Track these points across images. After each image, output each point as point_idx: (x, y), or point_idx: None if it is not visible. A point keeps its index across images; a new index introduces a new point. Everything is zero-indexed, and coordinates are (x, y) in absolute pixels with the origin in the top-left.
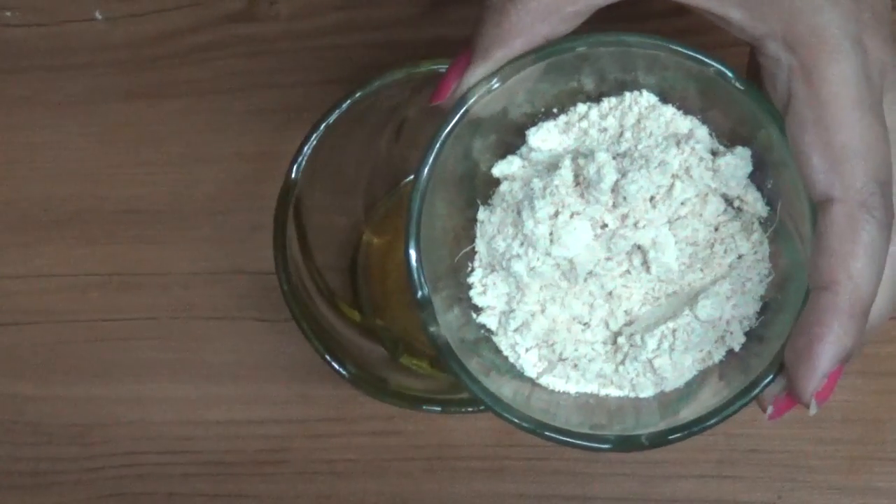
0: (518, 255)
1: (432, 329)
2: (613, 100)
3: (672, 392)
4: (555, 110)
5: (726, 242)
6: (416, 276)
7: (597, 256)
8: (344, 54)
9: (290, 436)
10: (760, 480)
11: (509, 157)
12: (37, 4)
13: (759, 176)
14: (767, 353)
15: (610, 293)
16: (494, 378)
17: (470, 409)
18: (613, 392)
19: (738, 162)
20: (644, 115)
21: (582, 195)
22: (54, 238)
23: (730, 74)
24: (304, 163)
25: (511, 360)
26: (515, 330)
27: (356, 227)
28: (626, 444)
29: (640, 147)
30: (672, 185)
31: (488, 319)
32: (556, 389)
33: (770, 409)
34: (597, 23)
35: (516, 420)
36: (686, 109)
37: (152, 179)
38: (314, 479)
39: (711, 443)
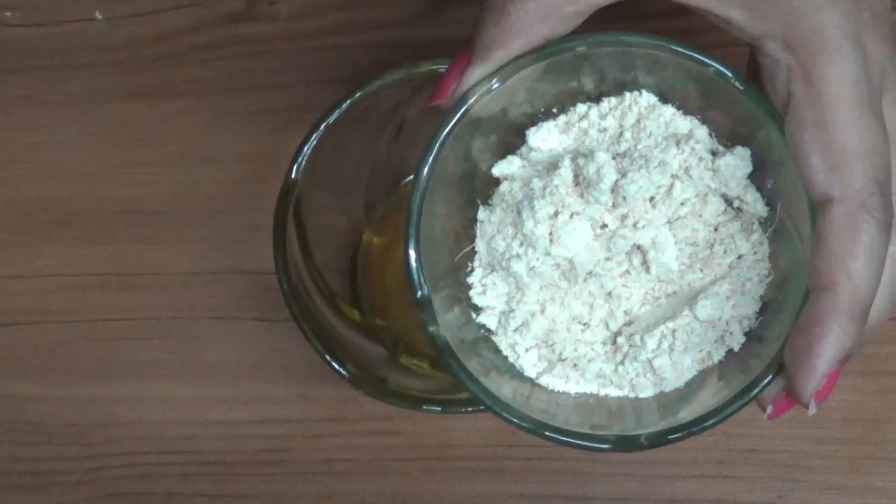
0: (518, 255)
1: (432, 329)
2: (613, 100)
3: (672, 392)
4: (555, 110)
5: (726, 243)
6: (415, 275)
7: (596, 256)
8: (344, 54)
9: (290, 436)
10: (760, 480)
11: (509, 157)
12: (37, 4)
13: (758, 176)
14: (767, 354)
15: (609, 293)
16: (494, 378)
17: (470, 409)
18: (613, 392)
19: (737, 162)
20: (644, 115)
21: (582, 195)
22: (54, 238)
23: (729, 74)
24: (304, 163)
25: (511, 359)
26: (515, 330)
27: (356, 227)
28: (626, 444)
29: (639, 147)
30: (672, 186)
31: (488, 319)
32: (556, 389)
33: (769, 409)
34: (596, 23)
35: (516, 420)
36: (686, 109)
37: (152, 179)
38: (314, 479)
39: (711, 443)
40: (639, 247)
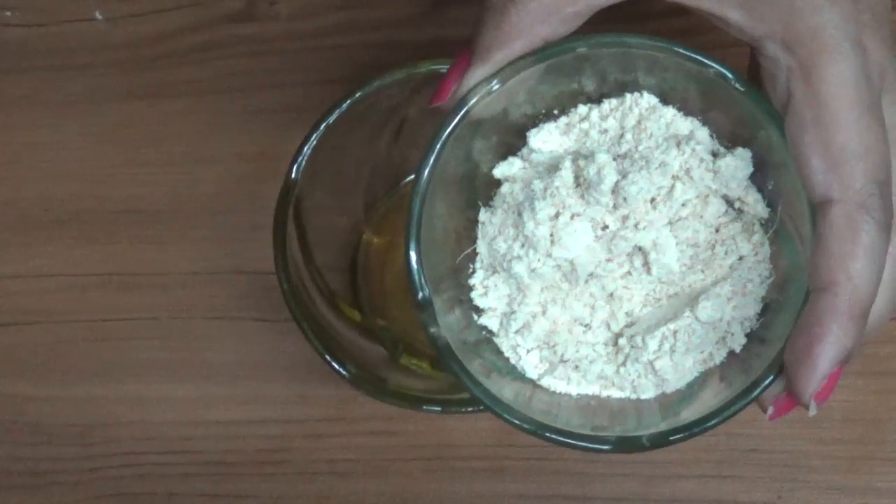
0: (519, 257)
1: (433, 330)
2: (614, 101)
3: (673, 393)
4: (555, 112)
5: (727, 244)
6: (416, 277)
7: (597, 258)
8: (344, 54)
9: (290, 436)
10: (760, 480)
11: (510, 159)
12: (37, 4)
13: (759, 177)
14: (768, 354)
15: (611, 294)
16: (496, 379)
17: (470, 409)
18: (615, 393)
19: (738, 163)
20: (645, 116)
21: (582, 196)
22: (54, 238)
23: (730, 76)
24: (304, 163)
25: (512, 361)
26: (517, 331)
27: (356, 227)
28: (627, 445)
29: (640, 148)
30: (673, 187)
31: (489, 321)
32: (558, 391)
33: (771, 410)
34: (597, 23)
35: (517, 421)
36: (687, 111)
37: (152, 179)
38: (314, 479)
39: (712, 443)
40: (640, 248)
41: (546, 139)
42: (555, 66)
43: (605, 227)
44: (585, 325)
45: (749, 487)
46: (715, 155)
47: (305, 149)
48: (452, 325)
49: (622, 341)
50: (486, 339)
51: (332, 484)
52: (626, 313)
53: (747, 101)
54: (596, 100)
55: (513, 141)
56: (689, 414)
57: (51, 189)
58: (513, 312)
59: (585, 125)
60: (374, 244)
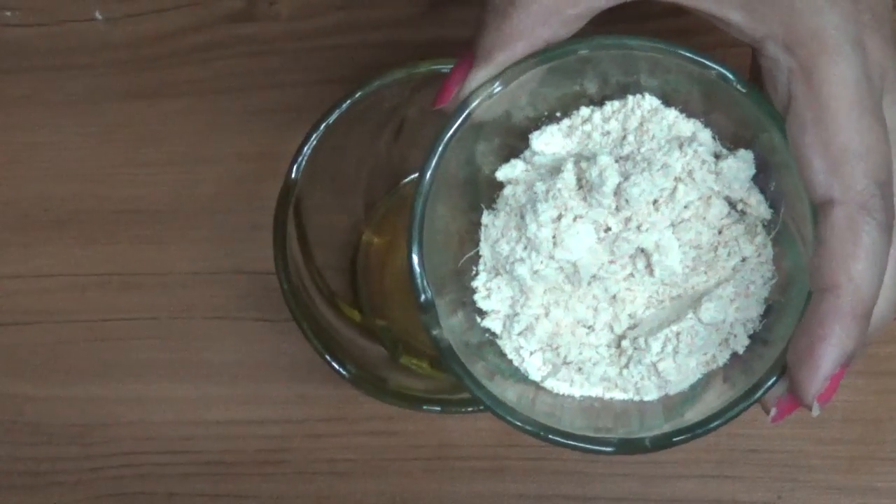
0: (521, 259)
1: (435, 332)
2: (616, 103)
3: (676, 395)
4: (558, 114)
5: (730, 245)
6: (419, 280)
7: (600, 260)
8: (344, 54)
9: (290, 436)
10: (760, 480)
11: (512, 161)
12: (37, 4)
13: (762, 178)
14: (771, 356)
15: (614, 296)
16: (499, 382)
17: (470, 409)
18: (618, 395)
19: (740, 164)
20: (647, 118)
21: (585, 198)
22: (54, 238)
23: (731, 77)
24: (304, 163)
25: (515, 363)
26: (519, 333)
27: (356, 227)
28: (630, 446)
29: (642, 150)
30: (675, 189)
31: (492, 323)
32: (561, 393)
33: (773, 411)
34: (597, 24)
35: (520, 424)
36: (689, 112)
37: (152, 179)
38: (314, 479)
39: (712, 443)
40: (642, 250)
41: (548, 141)
42: (557, 68)
43: (608, 229)
44: (588, 327)
45: (749, 487)
46: (717, 156)
47: (305, 149)
48: (455, 327)
49: (625, 343)
50: (489, 342)
51: (332, 484)
52: (629, 315)
53: (749, 103)
54: (598, 102)
55: (515, 143)
56: (692, 415)
57: (51, 189)
58: (516, 315)
59: (588, 127)
60: (374, 244)
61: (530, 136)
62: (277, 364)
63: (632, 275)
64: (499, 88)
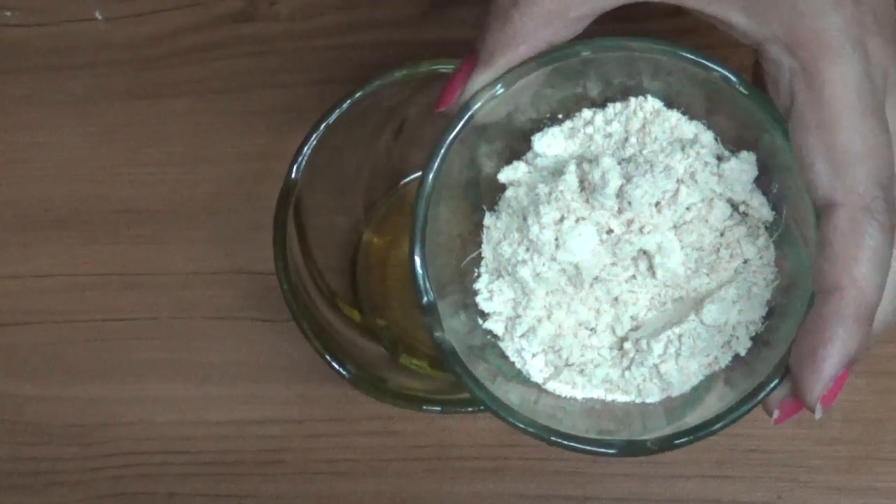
0: (524, 261)
1: (438, 334)
2: (618, 105)
3: (678, 397)
4: (560, 116)
5: (732, 247)
6: (421, 281)
7: (602, 262)
8: (344, 54)
9: (290, 436)
10: (760, 480)
11: (515, 163)
12: (37, 4)
13: (764, 180)
14: (773, 358)
15: (616, 298)
16: (501, 384)
17: (470, 409)
18: (620, 397)
19: (743, 166)
20: (649, 120)
21: (587, 200)
22: (54, 238)
23: (734, 79)
24: (304, 163)
25: (517, 365)
26: (522, 335)
27: (356, 227)
28: (633, 449)
29: (645, 152)
30: (677, 191)
31: (494, 325)
32: (563, 395)
33: (776, 413)
34: (598, 23)
35: (522, 426)
36: (691, 114)
37: (153, 179)
38: (314, 479)
39: (712, 443)
40: (645, 252)
41: (551, 143)
42: (559, 70)
43: (610, 230)
44: (590, 329)
45: (749, 487)
46: (719, 158)
47: (305, 149)
48: (457, 329)
49: (627, 345)
50: (491, 343)
51: (332, 484)
52: (632, 317)
53: (751, 105)
54: (600, 104)
55: (517, 145)
56: (694, 418)
57: (51, 189)
58: (518, 316)
59: (590, 129)
60: (374, 244)
61: (532, 138)
62: (277, 364)
63: (634, 277)
64: (501, 90)
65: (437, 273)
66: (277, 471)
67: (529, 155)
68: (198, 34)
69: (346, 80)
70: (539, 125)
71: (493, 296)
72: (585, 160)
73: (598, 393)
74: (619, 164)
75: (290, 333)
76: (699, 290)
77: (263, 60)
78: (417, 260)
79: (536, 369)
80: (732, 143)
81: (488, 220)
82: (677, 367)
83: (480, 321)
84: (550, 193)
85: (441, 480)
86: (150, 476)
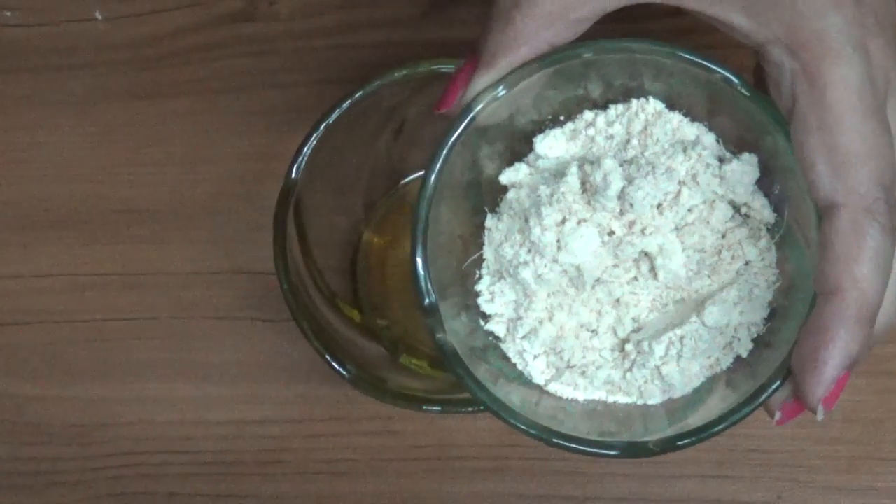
0: (525, 262)
1: (439, 336)
2: (620, 107)
3: (680, 399)
4: (561, 117)
5: (733, 249)
6: (422, 283)
7: (604, 263)
8: (344, 54)
9: (290, 436)
10: (760, 480)
11: (516, 165)
12: (37, 4)
13: (766, 182)
14: (775, 360)
15: (617, 300)
16: (502, 385)
17: (470, 409)
18: (621, 399)
19: (744, 168)
20: (651, 121)
21: (589, 202)
22: (54, 238)
23: (735, 80)
24: (304, 163)
25: (519, 367)
26: (523, 337)
27: (356, 227)
28: (634, 450)
29: (646, 154)
30: (679, 192)
31: (496, 327)
32: (565, 396)
33: (778, 415)
34: (598, 24)
35: (524, 427)
36: (693, 116)
37: (153, 179)
38: (314, 479)
39: (712, 443)
40: (646, 253)
41: (552, 145)
42: (561, 71)
43: (612, 232)
44: (592, 331)
45: (749, 487)
46: (721, 160)
47: (305, 149)
48: (459, 330)
49: (629, 347)
50: (493, 345)
51: (332, 484)
52: (633, 319)
53: (753, 106)
54: (602, 105)
55: (519, 147)
56: (695, 419)
57: (51, 189)
58: (519, 318)
59: (591, 131)
60: (374, 244)
61: (534, 139)
62: (277, 364)
63: (635, 278)
64: (503, 92)
65: (438, 274)
66: (277, 471)
67: (531, 156)
68: (198, 34)
69: (346, 80)
70: (541, 127)
71: (494, 297)
72: (587, 162)
73: (600, 394)
74: (621, 165)
75: (290, 333)
76: (701, 291)
77: (263, 60)
78: (419, 261)
79: (538, 371)
80: (734, 144)
81: (490, 221)
82: (679, 368)
83: (482, 323)
84: (552, 195)
85: (441, 480)
86: (149, 476)
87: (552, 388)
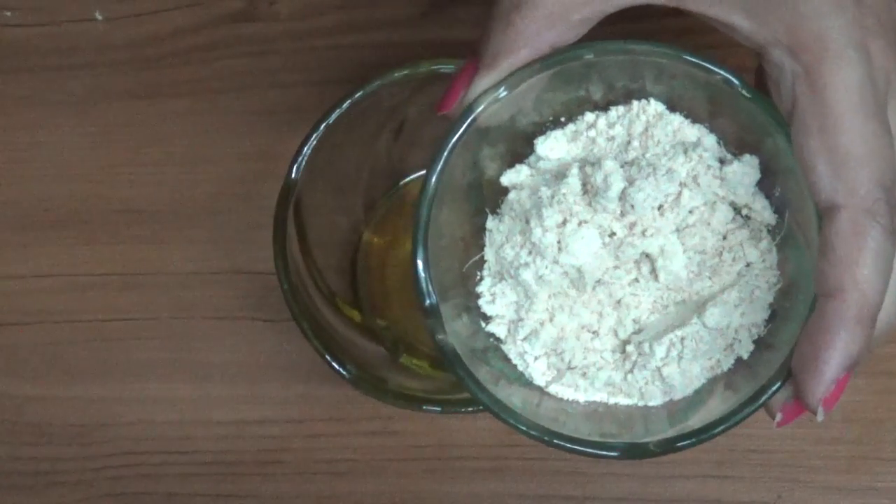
0: (526, 264)
1: (440, 337)
2: (621, 108)
3: (681, 400)
4: (562, 119)
5: (734, 250)
6: (423, 284)
7: (605, 265)
8: (344, 54)
9: (290, 436)
10: (760, 480)
11: (517, 166)
12: (37, 4)
13: (766, 184)
14: (776, 361)
15: (618, 301)
16: (503, 386)
17: (470, 409)
18: (622, 400)
19: (745, 170)
20: (652, 123)
21: (590, 203)
22: (54, 238)
23: (736, 82)
24: (304, 163)
25: (520, 368)
26: (524, 338)
27: (356, 227)
28: (635, 451)
29: (647, 155)
30: (680, 194)
31: (497, 328)
32: (565, 398)
33: (779, 416)
34: (598, 24)
35: (525, 428)
36: (694, 117)
37: (152, 179)
38: (314, 479)
39: (712, 443)
40: (647, 255)
41: (553, 146)
42: (562, 73)
43: (613, 234)
44: (593, 332)
45: (749, 487)
46: (722, 162)
47: (305, 149)
48: (460, 331)
49: (630, 348)
50: (494, 346)
51: (332, 484)
52: (634, 320)
53: (754, 108)
54: (603, 107)
55: (520, 148)
56: (696, 420)
57: (51, 189)
58: (520, 319)
59: (593, 132)
60: (374, 244)
61: (535, 141)
62: (277, 364)
63: (636, 280)
64: (504, 93)
65: (439, 276)
66: (277, 471)
67: (532, 158)
68: (198, 34)
69: (346, 80)
70: (542, 128)
71: (495, 299)
72: (588, 163)
73: (601, 396)
74: (622, 167)
75: (290, 333)
76: (701, 293)
77: (263, 60)
78: (420, 263)
79: (539, 372)
80: (735, 146)
81: (491, 223)
82: (680, 370)
83: (483, 324)
84: (553, 196)
85: (441, 480)
86: (149, 476)
87: (553, 389)
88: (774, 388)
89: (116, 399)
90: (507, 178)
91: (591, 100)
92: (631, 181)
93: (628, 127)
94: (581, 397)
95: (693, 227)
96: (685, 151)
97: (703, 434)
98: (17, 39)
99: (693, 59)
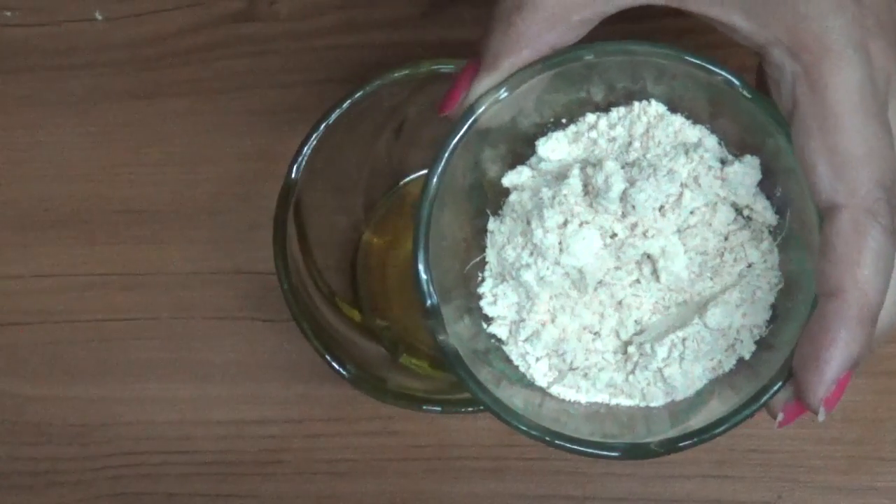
0: (528, 265)
1: (442, 338)
2: (622, 109)
3: (682, 401)
4: (563, 120)
5: (736, 251)
6: (424, 286)
7: (606, 265)
8: (344, 54)
9: (290, 436)
10: (760, 480)
11: (518, 167)
12: (37, 4)
13: (767, 184)
14: (777, 361)
15: (620, 302)
16: (505, 387)
17: (470, 409)
18: (624, 401)
19: (746, 170)
20: (653, 124)
21: (591, 204)
22: (54, 238)
23: (737, 83)
24: (304, 163)
25: (521, 369)
26: (526, 339)
27: (356, 226)
28: (636, 451)
29: (648, 156)
30: (681, 194)
31: (498, 329)
32: (567, 399)
33: (780, 417)
34: (599, 25)
35: (526, 429)
36: (695, 118)
37: (153, 179)
38: (314, 479)
39: (712, 443)
40: (648, 256)
41: (554, 147)
42: (563, 74)
43: (614, 234)
44: (594, 333)
45: (749, 487)
46: (723, 162)
47: (305, 149)
48: (461, 333)
49: (631, 349)
50: (495, 348)
51: (332, 484)
52: (635, 321)
53: (755, 108)
54: (604, 108)
55: (521, 149)
56: (698, 421)
57: (51, 189)
58: (522, 321)
59: (594, 133)
60: (374, 244)
61: (536, 142)
62: (277, 364)
63: (638, 281)
64: (505, 94)
65: (440, 277)
66: (277, 471)
67: (533, 159)
68: (198, 34)
69: (346, 80)
70: (543, 129)
71: (497, 300)
72: (589, 164)
73: (603, 397)
74: (623, 168)
75: (290, 333)
76: (703, 293)
77: (263, 60)
78: (421, 264)
79: (540, 373)
80: (736, 146)
81: (492, 224)
82: (681, 370)
83: (484, 325)
84: (554, 197)
85: (441, 480)
86: (149, 476)
87: (555, 390)
88: (776, 388)
89: (116, 399)
90: (508, 180)
91: (592, 101)
92: (632, 182)
93: (629, 128)
94: (583, 398)
95: (694, 228)
96: (686, 152)
97: (704, 434)
98: (17, 39)
99: (694, 60)
